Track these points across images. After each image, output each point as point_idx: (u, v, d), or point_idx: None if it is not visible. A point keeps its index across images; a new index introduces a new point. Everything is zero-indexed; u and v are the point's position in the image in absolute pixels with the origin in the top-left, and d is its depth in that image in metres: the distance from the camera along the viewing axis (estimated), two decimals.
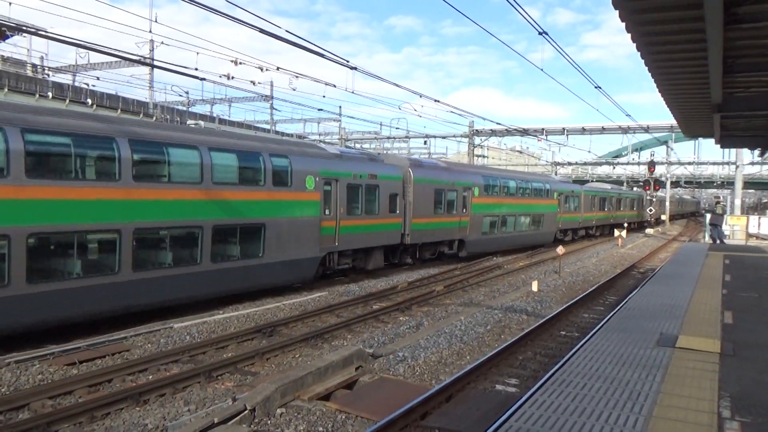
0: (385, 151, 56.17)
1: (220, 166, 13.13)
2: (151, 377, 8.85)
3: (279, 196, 14.67)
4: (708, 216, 29.96)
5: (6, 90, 28.96)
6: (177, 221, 12.25)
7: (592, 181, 57.11)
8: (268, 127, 49.80)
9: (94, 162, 11.27)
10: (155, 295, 11.88)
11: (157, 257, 12.23)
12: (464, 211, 23.07)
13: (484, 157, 54.54)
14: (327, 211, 16.31)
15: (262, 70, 18.42)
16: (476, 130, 44.45)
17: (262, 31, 11.31)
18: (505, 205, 26.23)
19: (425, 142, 54.14)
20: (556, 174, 50.51)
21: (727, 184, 70.73)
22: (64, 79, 39.11)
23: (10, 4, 34.61)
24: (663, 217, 56.60)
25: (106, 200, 10.91)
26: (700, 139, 49.45)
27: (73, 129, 10.64)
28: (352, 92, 37.17)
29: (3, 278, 9.42)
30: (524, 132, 41.76)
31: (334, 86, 21.10)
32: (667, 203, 58.18)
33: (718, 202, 29.65)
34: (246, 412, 6.83)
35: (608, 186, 49.23)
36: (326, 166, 16.38)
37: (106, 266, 11.02)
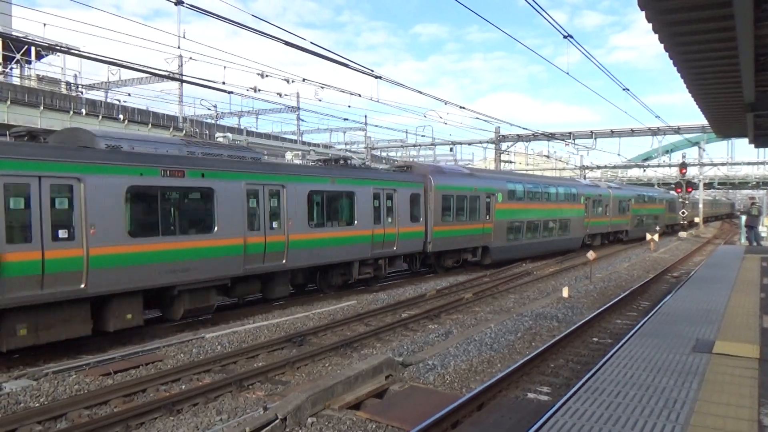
0: (412, 159, 56.22)
1: (560, 194, 29.30)
2: (184, 387, 8.97)
3: (573, 206, 30.40)
4: (743, 218, 29.23)
5: (42, 108, 29.79)
6: (551, 218, 27.97)
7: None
8: (294, 137, 50.24)
9: (514, 193, 25.41)
10: (535, 249, 26.87)
11: (540, 234, 27.37)
12: (627, 213, 39.02)
13: (510, 162, 54.00)
14: (585, 214, 31.77)
15: (288, 81, 18.67)
16: (502, 136, 44.03)
17: (287, 43, 11.48)
18: (646, 209, 43.14)
19: (451, 149, 53.99)
20: (585, 178, 50.10)
21: (763, 184, 69.03)
22: (97, 95, 40.15)
23: (45, 25, 35.75)
24: (696, 220, 55.39)
25: (517, 209, 25.15)
26: (734, 139, 48.46)
27: (520, 181, 26.42)
28: (377, 101, 37.45)
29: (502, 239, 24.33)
30: (551, 136, 41.31)
31: (360, 96, 21.28)
32: (701, 205, 56.95)
33: (753, 203, 28.83)
34: (277, 421, 6.86)
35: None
36: (585, 191, 32.24)
37: (521, 235, 25.45)
